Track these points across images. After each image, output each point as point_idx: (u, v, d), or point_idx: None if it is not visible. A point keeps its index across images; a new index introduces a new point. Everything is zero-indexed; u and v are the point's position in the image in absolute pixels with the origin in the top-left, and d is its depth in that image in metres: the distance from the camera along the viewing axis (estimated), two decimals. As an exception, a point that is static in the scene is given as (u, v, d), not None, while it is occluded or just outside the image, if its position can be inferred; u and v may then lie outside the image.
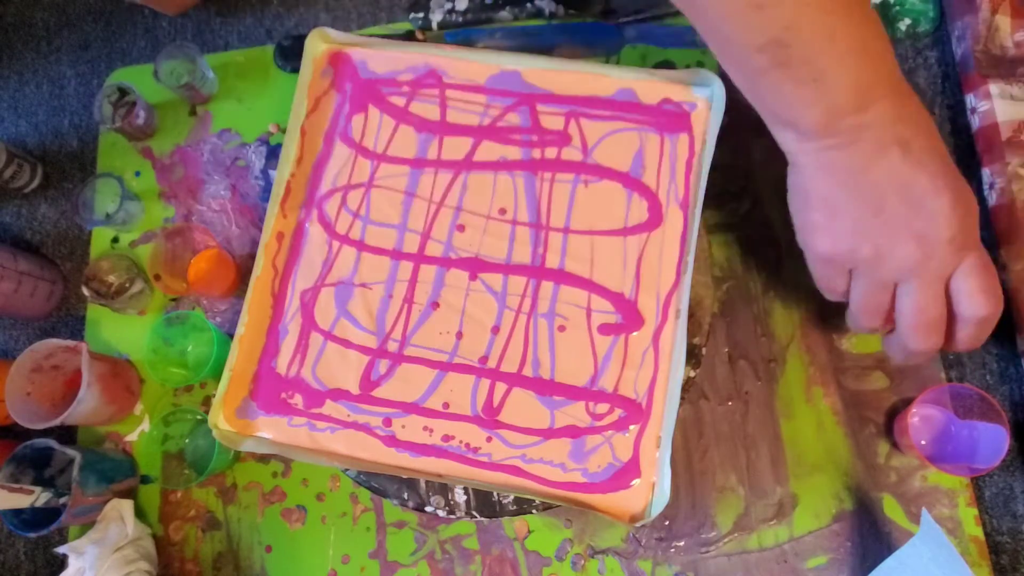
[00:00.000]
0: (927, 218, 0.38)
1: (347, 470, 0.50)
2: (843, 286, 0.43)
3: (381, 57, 0.55)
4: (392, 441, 0.48)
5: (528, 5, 0.63)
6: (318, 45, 0.55)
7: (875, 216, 0.39)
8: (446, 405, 0.48)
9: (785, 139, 0.42)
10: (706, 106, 0.51)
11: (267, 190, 0.64)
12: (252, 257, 0.53)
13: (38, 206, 0.70)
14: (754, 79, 0.40)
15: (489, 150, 0.52)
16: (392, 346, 0.50)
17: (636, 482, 0.46)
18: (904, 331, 0.41)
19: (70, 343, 0.57)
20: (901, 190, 0.39)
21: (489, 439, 0.47)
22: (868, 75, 0.38)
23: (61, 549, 0.54)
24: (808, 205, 0.42)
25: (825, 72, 0.37)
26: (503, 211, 0.51)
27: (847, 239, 0.41)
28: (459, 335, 0.49)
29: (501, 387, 0.48)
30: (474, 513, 0.49)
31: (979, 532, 0.51)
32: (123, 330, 0.64)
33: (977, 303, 0.40)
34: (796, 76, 0.38)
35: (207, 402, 0.61)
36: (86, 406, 0.56)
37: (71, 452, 0.55)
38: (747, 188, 0.59)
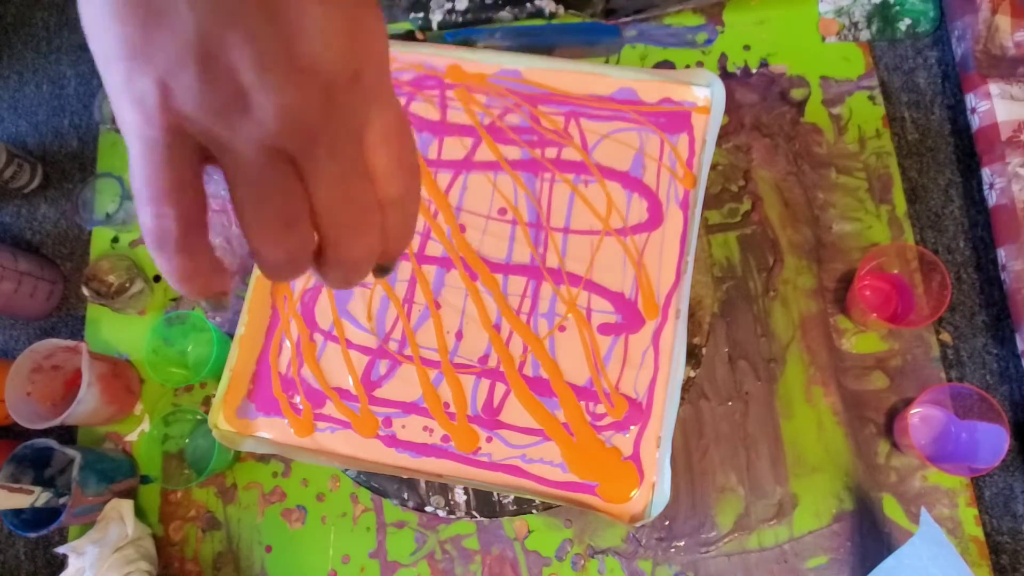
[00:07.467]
0: (308, 39, 0.20)
1: (347, 470, 0.50)
2: (187, 173, 0.21)
3: (381, 57, 0.55)
4: (392, 441, 0.48)
5: (528, 5, 0.63)
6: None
7: (224, 28, 0.19)
8: (446, 405, 0.48)
9: None
10: (706, 106, 0.51)
11: (267, 190, 0.64)
12: (252, 257, 0.53)
13: (38, 206, 0.70)
14: None
15: (489, 150, 0.52)
16: (392, 346, 0.50)
17: (636, 482, 0.46)
18: (333, 232, 0.23)
19: (70, 343, 0.57)
20: None
21: (489, 439, 0.47)
22: None
23: (61, 549, 0.54)
24: (107, 17, 0.19)
25: None
26: (503, 211, 0.51)
27: (181, 65, 0.19)
28: (459, 335, 0.49)
29: (501, 387, 0.48)
30: (474, 513, 0.49)
31: (979, 532, 0.51)
32: (123, 330, 0.64)
33: (395, 174, 0.23)
34: None
35: (207, 402, 0.61)
36: (86, 406, 0.56)
37: (71, 452, 0.55)
38: (747, 188, 0.59)
